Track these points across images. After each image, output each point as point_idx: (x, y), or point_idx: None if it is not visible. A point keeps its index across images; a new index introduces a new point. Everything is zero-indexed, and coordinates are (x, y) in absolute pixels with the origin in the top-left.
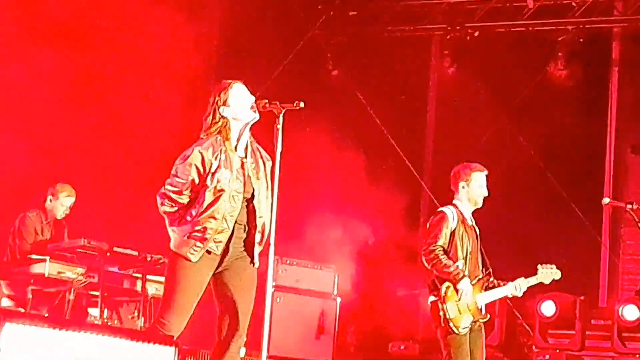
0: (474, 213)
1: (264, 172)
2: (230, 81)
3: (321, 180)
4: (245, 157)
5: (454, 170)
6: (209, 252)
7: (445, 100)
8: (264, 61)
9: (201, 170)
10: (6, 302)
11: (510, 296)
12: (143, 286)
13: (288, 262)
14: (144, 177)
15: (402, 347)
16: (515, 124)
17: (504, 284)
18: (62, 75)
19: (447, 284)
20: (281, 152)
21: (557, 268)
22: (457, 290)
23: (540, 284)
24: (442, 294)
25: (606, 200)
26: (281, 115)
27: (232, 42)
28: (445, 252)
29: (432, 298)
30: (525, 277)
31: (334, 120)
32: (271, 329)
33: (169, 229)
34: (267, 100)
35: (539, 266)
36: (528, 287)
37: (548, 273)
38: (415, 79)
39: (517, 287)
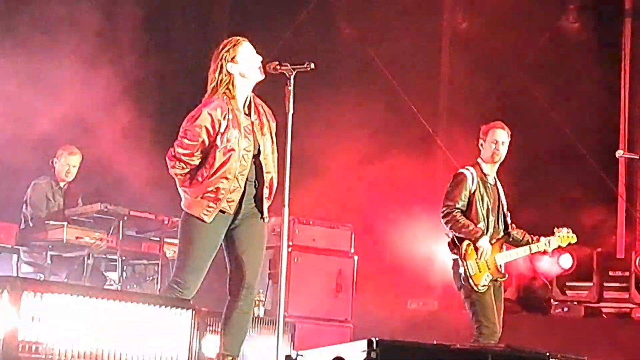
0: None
1: (268, 128)
2: (239, 38)
3: (335, 139)
4: (249, 113)
5: None
6: (222, 211)
7: (458, 55)
8: (275, 22)
9: (211, 131)
10: (25, 269)
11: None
12: (161, 249)
13: (304, 221)
14: (158, 141)
15: (421, 304)
16: (529, 78)
17: (536, 240)
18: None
19: (467, 242)
20: (293, 114)
21: (573, 232)
22: (476, 249)
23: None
24: (463, 252)
25: (620, 152)
26: (292, 77)
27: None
28: (464, 213)
29: (453, 256)
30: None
31: (346, 79)
32: (289, 289)
33: (180, 190)
34: (277, 62)
35: (555, 229)
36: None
37: (564, 236)
38: (428, 35)
39: (533, 248)
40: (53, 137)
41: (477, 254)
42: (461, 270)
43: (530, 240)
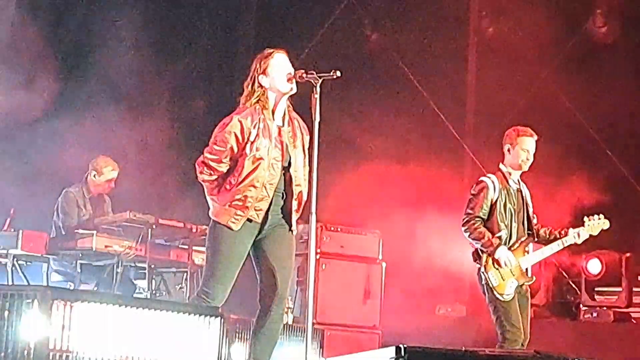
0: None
1: (301, 141)
2: (272, 50)
3: (362, 145)
4: (283, 125)
5: (505, 133)
6: (250, 220)
7: (485, 60)
8: (302, 29)
9: (240, 138)
10: (55, 277)
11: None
12: (189, 257)
13: (332, 228)
14: (187, 149)
15: (449, 310)
16: (557, 83)
17: (565, 234)
18: None
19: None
20: (320, 121)
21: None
22: (495, 261)
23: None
24: (484, 263)
25: None
26: (318, 85)
27: (269, 10)
28: (484, 222)
29: (477, 265)
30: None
31: (373, 85)
32: (318, 296)
33: (208, 198)
34: (304, 71)
35: (585, 218)
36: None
37: (596, 224)
38: (455, 40)
39: (561, 244)
40: (80, 145)
41: (498, 264)
42: (483, 282)
43: (557, 236)
